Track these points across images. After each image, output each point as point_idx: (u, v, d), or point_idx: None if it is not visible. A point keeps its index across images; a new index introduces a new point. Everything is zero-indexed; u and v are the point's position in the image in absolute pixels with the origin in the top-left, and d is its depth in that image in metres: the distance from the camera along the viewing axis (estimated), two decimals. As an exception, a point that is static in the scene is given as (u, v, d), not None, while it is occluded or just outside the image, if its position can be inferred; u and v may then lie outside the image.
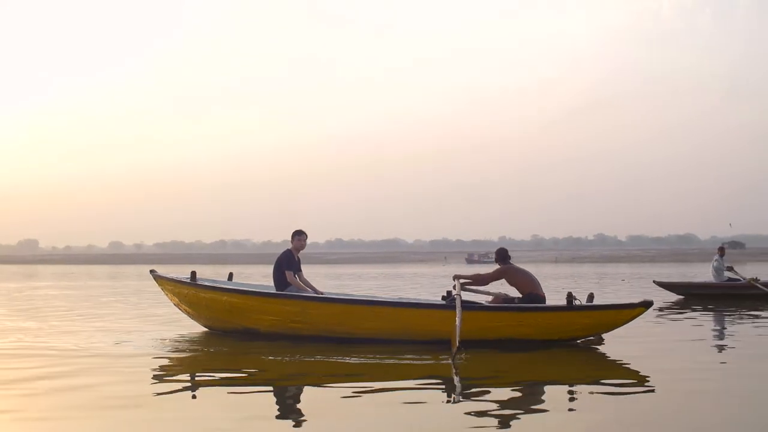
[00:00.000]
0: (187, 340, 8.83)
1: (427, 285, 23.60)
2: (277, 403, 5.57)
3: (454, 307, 7.63)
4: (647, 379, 6.14)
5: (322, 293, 9.11)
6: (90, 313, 12.65)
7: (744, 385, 5.95)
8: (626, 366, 6.91)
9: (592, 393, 5.52)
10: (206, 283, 9.44)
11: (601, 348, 7.78)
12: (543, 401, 5.45)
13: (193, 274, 9.37)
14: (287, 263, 9.19)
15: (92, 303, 15.41)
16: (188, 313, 9.62)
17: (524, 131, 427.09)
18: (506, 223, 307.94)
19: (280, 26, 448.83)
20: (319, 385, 6.18)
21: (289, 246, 9.39)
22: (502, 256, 8.98)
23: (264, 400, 5.56)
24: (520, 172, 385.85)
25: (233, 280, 9.98)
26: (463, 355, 6.97)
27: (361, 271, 47.40)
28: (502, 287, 8.79)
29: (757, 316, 11.42)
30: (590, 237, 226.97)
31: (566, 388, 5.88)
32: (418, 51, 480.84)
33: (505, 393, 5.67)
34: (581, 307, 7.69)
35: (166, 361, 7.45)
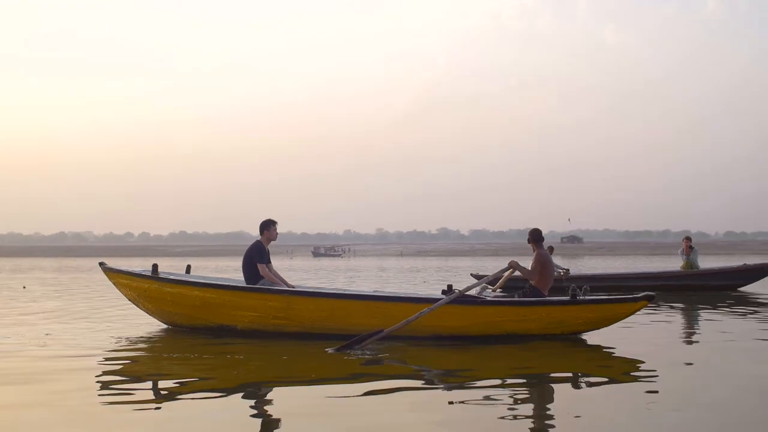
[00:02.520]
0: (152, 338, 8.28)
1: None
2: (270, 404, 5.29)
3: (455, 302, 7.62)
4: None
5: (293, 287, 8.81)
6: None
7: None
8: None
9: (592, 386, 5.64)
10: (172, 277, 8.92)
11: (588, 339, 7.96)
12: (546, 396, 5.39)
13: (155, 267, 8.80)
14: (259, 255, 8.81)
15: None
16: (148, 309, 9.00)
17: (373, 126, 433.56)
18: (351, 217, 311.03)
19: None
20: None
21: (259, 237, 9.04)
22: (536, 237, 9.07)
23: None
24: (367, 166, 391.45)
25: (191, 273, 9.44)
26: (371, 348, 7.09)
27: (206, 263, 46.45)
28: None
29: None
30: (434, 231, 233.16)
31: (570, 381, 5.90)
32: (272, 42, 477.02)
33: (507, 387, 5.61)
34: (585, 301, 7.75)
35: (131, 363, 7.00)
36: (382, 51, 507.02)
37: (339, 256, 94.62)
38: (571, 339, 7.86)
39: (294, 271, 31.91)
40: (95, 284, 19.30)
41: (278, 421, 4.64)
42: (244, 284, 8.70)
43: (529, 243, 9.25)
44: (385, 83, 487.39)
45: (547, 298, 8.40)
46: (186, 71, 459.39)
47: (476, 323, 7.73)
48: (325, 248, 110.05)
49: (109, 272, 9.22)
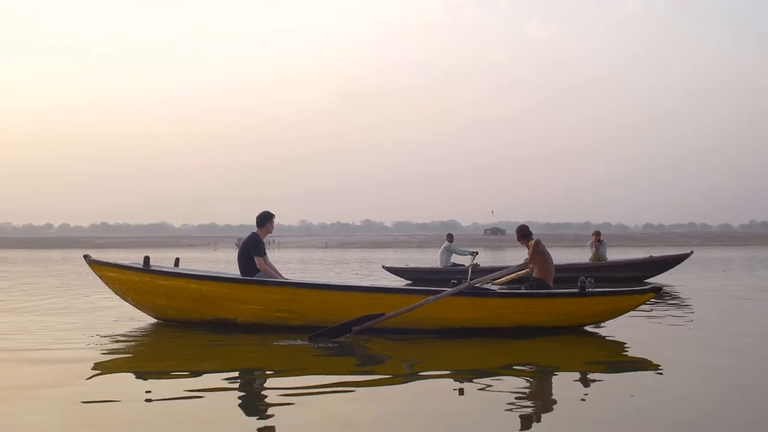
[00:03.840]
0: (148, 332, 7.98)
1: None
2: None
3: (465, 294, 7.55)
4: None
5: (287, 279, 8.62)
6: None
7: None
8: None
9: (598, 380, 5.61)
10: (166, 270, 8.60)
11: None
12: (554, 389, 5.41)
13: (146, 259, 8.47)
14: (256, 248, 8.60)
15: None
16: (138, 303, 8.65)
17: (298, 116, 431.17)
18: (275, 208, 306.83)
19: None
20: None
21: (255, 229, 8.85)
22: (525, 232, 9.07)
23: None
24: (291, 157, 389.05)
25: (179, 266, 9.11)
26: (346, 337, 7.11)
27: (129, 255, 45.11)
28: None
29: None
30: (357, 223, 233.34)
31: (576, 375, 5.85)
32: (198, 27, 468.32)
33: (513, 380, 5.59)
34: (593, 294, 7.75)
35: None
36: (308, 42, 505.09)
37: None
38: (578, 331, 7.88)
39: (219, 263, 31.31)
40: (39, 276, 18.64)
41: (271, 413, 4.58)
42: (246, 277, 8.43)
43: (519, 242, 9.30)
44: (310, 74, 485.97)
45: (556, 290, 8.35)
46: (109, 53, 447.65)
47: (485, 315, 7.67)
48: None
49: (95, 265, 8.82)
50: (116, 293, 8.86)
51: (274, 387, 5.37)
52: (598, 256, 16.58)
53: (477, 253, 15.99)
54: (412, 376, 5.75)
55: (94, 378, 5.66)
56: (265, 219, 8.86)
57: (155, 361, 6.65)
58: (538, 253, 8.78)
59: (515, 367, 6.02)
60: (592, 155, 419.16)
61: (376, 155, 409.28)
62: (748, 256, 37.92)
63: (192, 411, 4.63)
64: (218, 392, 5.18)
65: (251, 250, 8.59)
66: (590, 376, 5.70)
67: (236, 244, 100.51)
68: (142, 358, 6.85)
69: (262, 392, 5.30)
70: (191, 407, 4.73)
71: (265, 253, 8.67)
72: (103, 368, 6.05)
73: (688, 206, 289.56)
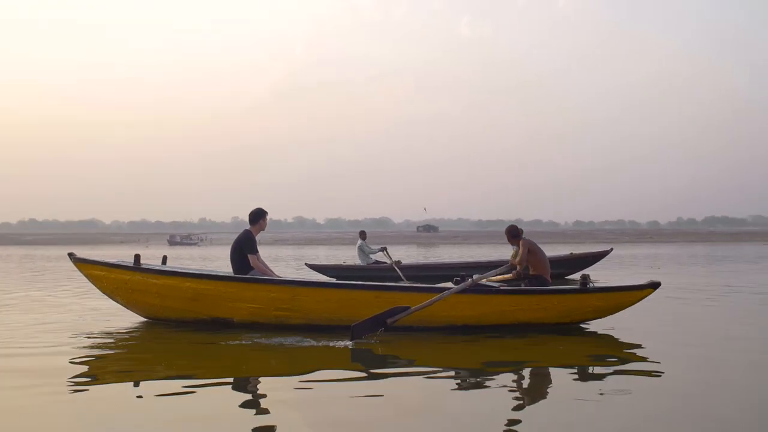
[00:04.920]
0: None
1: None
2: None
3: (468, 291, 7.49)
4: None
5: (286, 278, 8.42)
6: None
7: None
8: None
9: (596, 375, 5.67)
10: (159, 268, 8.30)
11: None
12: (553, 386, 5.41)
13: (137, 257, 8.18)
14: (249, 246, 8.37)
15: None
16: (128, 302, 8.34)
17: (229, 112, 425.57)
18: (206, 204, 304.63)
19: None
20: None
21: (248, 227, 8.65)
22: (516, 232, 9.03)
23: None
24: (222, 153, 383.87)
25: (167, 264, 8.85)
26: (375, 339, 6.98)
27: (59, 252, 44.15)
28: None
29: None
30: (289, 220, 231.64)
31: (575, 371, 5.86)
32: (127, 17, 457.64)
33: (514, 378, 5.60)
34: (595, 289, 7.78)
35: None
36: (241, 36, 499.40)
37: (195, 244, 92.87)
38: (578, 327, 7.92)
39: (153, 260, 30.26)
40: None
41: (267, 411, 4.54)
42: (243, 275, 8.20)
43: (509, 242, 9.28)
44: (241, 69, 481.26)
45: (559, 286, 8.35)
46: (31, 29, 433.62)
47: (488, 312, 7.62)
48: (180, 236, 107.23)
49: (81, 263, 8.47)
50: (103, 292, 8.52)
51: (271, 387, 5.28)
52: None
53: (385, 248, 16.07)
54: (410, 375, 5.66)
55: (84, 379, 5.51)
56: (258, 216, 8.66)
57: (146, 360, 6.48)
58: (530, 253, 8.80)
59: (515, 365, 6.00)
60: (524, 155, 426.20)
61: (308, 151, 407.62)
62: (676, 253, 39.01)
63: (185, 410, 4.55)
64: (213, 392, 5.09)
65: (244, 247, 8.35)
66: (591, 373, 5.74)
67: (168, 240, 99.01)
68: (133, 357, 6.64)
69: (258, 392, 5.18)
70: (186, 407, 4.65)
71: (258, 251, 8.50)
72: (91, 368, 5.91)
73: (618, 204, 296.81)
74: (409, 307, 7.15)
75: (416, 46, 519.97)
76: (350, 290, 7.88)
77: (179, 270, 8.41)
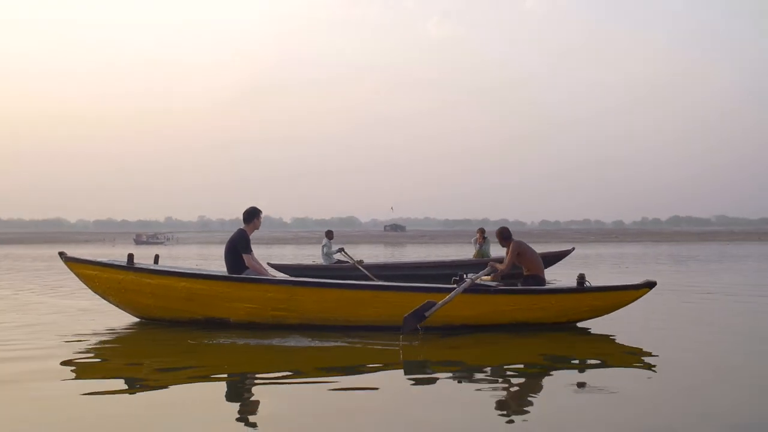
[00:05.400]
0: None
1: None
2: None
3: (466, 291, 7.48)
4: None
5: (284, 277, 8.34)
6: None
7: None
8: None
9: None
10: (153, 268, 8.16)
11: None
12: (547, 383, 5.42)
13: (131, 257, 8.03)
14: (244, 245, 8.26)
15: None
16: (120, 302, 8.20)
17: (196, 110, 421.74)
18: (173, 203, 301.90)
19: None
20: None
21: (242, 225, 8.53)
22: (507, 234, 8.93)
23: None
24: (188, 151, 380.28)
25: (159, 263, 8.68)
26: (416, 342, 6.96)
27: (23, 252, 43.77)
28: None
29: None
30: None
31: (573, 368, 5.93)
32: (94, 12, 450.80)
33: (508, 376, 5.62)
34: (592, 289, 7.80)
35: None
36: (209, 33, 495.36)
37: (162, 243, 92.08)
38: (574, 327, 7.97)
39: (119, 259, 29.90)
40: None
41: (261, 410, 4.54)
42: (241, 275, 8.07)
43: (500, 243, 9.18)
44: (209, 67, 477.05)
45: (556, 286, 8.31)
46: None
47: (487, 312, 7.61)
48: (147, 236, 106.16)
49: (72, 263, 8.31)
50: (95, 292, 8.38)
51: (268, 387, 5.26)
52: (482, 252, 16.67)
53: (342, 248, 16.07)
54: (406, 374, 5.66)
55: (74, 379, 5.50)
56: (252, 215, 8.55)
57: (137, 360, 6.39)
58: (520, 255, 8.72)
59: (513, 364, 6.03)
60: (491, 155, 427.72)
61: (275, 150, 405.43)
62: (641, 252, 39.48)
63: (177, 410, 4.53)
64: (206, 392, 5.06)
65: (239, 246, 8.24)
66: (588, 371, 5.79)
67: (134, 239, 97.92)
68: (125, 357, 6.58)
69: (252, 392, 5.14)
70: (179, 406, 4.63)
71: (252, 250, 8.42)
72: (82, 369, 5.88)
73: (583, 204, 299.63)
74: (435, 302, 7.10)
75: (385, 45, 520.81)
76: (348, 290, 7.80)
77: (174, 270, 8.28)
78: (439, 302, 7.11)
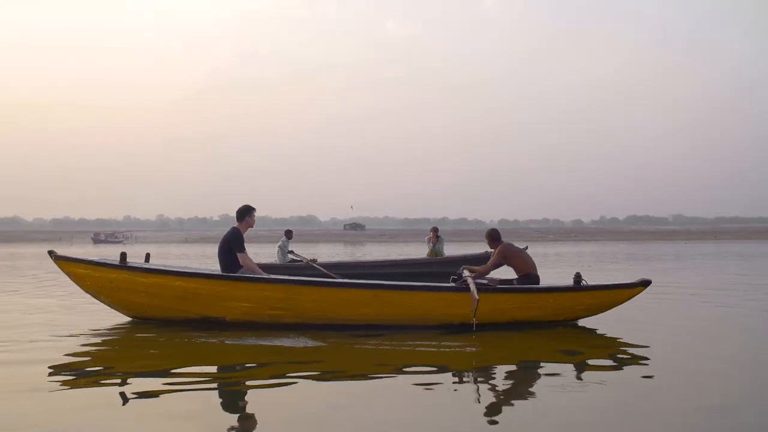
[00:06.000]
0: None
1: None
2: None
3: (465, 290, 7.49)
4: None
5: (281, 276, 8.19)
6: None
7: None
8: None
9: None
10: (148, 266, 7.96)
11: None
12: (543, 381, 5.41)
13: (123, 255, 7.84)
14: (238, 244, 8.11)
15: None
16: (113, 301, 8.01)
17: (153, 106, 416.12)
18: (131, 202, 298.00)
19: None
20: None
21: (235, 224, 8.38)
22: (496, 236, 8.80)
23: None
24: (146, 148, 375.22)
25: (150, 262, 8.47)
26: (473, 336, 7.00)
27: None
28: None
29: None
30: (215, 217, 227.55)
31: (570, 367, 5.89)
32: (50, 11, 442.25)
33: (504, 374, 5.64)
34: (589, 288, 7.84)
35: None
36: (168, 30, 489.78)
37: (120, 242, 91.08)
38: (570, 324, 8.00)
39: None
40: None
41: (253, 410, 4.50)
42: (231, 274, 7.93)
43: (489, 245, 9.04)
44: (167, 64, 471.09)
45: (554, 285, 8.28)
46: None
47: (487, 311, 7.54)
48: (105, 234, 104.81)
49: (63, 261, 8.07)
50: (86, 291, 8.16)
51: (262, 386, 5.18)
52: (435, 251, 16.78)
53: (292, 251, 16.04)
54: (401, 374, 5.58)
55: (69, 378, 5.39)
56: (245, 213, 8.40)
57: (128, 360, 6.29)
58: (506, 258, 8.58)
59: (510, 363, 6.06)
60: (451, 155, 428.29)
61: (234, 148, 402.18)
62: (599, 251, 40.00)
63: (169, 410, 4.45)
64: (200, 392, 4.99)
65: (233, 245, 8.09)
66: (584, 369, 5.78)
67: (92, 238, 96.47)
68: (117, 356, 6.46)
69: (245, 392, 5.05)
70: (171, 406, 4.57)
71: (245, 249, 8.30)
72: (74, 369, 5.76)
73: (543, 204, 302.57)
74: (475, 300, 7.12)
75: (344, 44, 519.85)
76: (347, 289, 7.72)
77: (169, 268, 8.10)
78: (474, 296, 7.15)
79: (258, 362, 6.06)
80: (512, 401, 4.67)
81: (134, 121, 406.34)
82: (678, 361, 6.04)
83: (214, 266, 10.68)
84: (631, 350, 6.63)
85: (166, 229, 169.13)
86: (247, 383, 5.25)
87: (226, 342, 6.86)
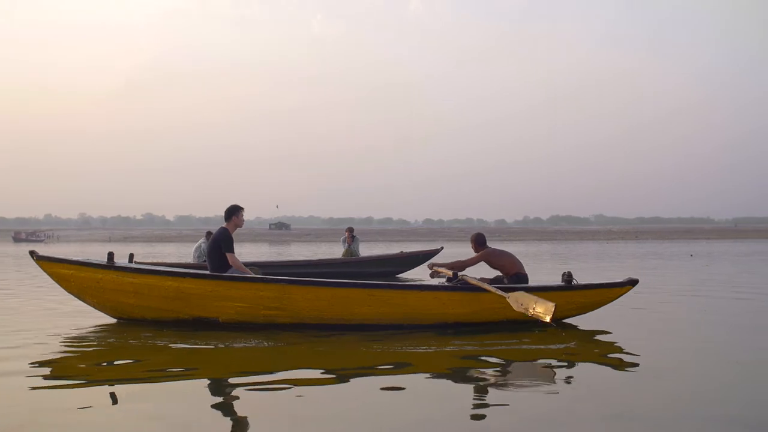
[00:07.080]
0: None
1: None
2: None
3: (461, 289, 7.47)
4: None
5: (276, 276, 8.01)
6: None
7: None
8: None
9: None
10: (137, 266, 7.63)
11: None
12: (538, 380, 5.42)
13: (111, 255, 7.49)
14: (227, 244, 7.90)
15: None
16: (98, 302, 7.64)
17: (75, 104, 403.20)
18: (52, 200, 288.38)
19: None
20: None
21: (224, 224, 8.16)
22: (482, 241, 8.65)
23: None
24: (68, 146, 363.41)
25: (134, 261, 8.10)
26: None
27: None
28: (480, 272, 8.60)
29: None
30: (138, 216, 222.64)
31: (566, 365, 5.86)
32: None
33: (495, 374, 5.57)
34: (579, 287, 7.82)
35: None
36: (92, 27, 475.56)
37: (42, 241, 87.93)
38: (562, 323, 7.97)
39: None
40: None
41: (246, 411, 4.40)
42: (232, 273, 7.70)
43: (474, 249, 8.91)
44: (88, 61, 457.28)
45: (545, 284, 8.23)
46: None
47: (479, 310, 7.53)
48: (26, 233, 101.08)
49: (45, 261, 7.65)
50: (69, 292, 7.76)
51: (257, 386, 5.02)
52: (351, 251, 16.71)
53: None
54: (395, 373, 5.54)
55: (55, 382, 5.16)
56: (232, 212, 8.19)
57: (119, 361, 6.03)
58: (492, 262, 8.53)
59: (500, 362, 5.97)
60: (376, 155, 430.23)
61: (158, 144, 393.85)
62: (523, 251, 40.53)
63: (155, 412, 4.31)
64: (188, 394, 4.85)
65: (223, 245, 7.87)
66: (578, 368, 5.77)
67: (13, 237, 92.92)
68: (106, 358, 6.15)
69: (238, 392, 4.89)
70: (158, 408, 4.39)
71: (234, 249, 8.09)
72: (60, 372, 5.54)
73: (467, 205, 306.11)
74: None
75: (268, 41, 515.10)
76: (342, 288, 7.56)
77: (158, 268, 7.81)
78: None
79: (251, 362, 5.89)
80: (502, 402, 4.58)
81: (57, 119, 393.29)
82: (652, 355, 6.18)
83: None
84: (618, 350, 6.72)
85: (89, 228, 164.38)
86: (239, 384, 5.08)
87: (218, 343, 6.62)
